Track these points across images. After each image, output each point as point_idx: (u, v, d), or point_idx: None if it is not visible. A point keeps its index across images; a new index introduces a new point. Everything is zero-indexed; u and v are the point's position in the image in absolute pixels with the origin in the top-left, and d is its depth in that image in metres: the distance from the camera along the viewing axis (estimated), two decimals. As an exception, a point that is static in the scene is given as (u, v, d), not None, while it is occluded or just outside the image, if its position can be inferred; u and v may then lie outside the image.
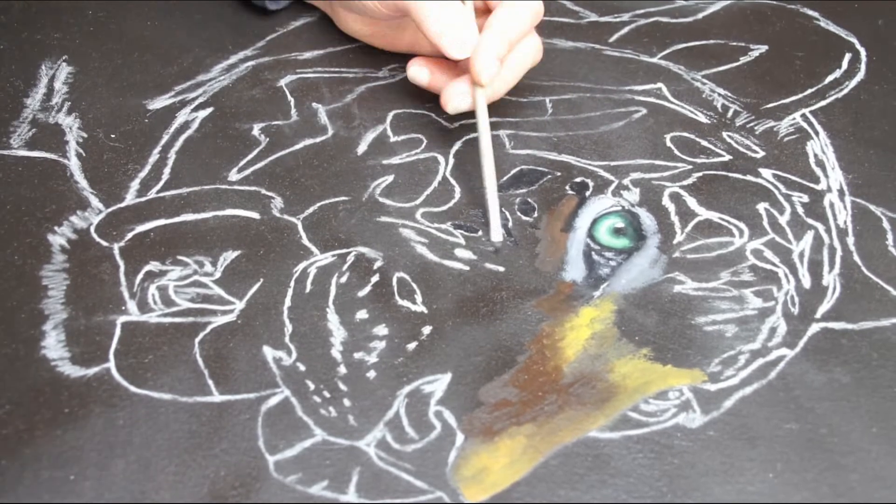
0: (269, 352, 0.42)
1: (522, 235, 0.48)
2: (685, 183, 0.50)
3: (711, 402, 0.41)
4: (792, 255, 0.47)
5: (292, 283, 0.45)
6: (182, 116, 0.54)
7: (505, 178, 0.50)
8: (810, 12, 0.63)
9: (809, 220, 0.49)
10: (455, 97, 0.50)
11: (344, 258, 0.46)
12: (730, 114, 0.55)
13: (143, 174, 0.50)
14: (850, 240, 0.48)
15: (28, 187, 0.49)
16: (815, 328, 0.44)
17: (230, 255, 0.46)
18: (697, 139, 0.53)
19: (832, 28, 0.62)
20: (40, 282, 0.44)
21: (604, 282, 0.46)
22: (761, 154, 0.53)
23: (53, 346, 0.42)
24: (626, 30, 0.62)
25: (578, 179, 0.50)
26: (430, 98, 0.55)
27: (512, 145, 0.52)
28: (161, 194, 0.49)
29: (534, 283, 0.45)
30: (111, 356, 0.42)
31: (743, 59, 0.59)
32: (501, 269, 0.46)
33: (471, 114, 0.51)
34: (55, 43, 0.58)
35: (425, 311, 0.44)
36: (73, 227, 0.47)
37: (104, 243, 0.46)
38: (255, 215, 0.48)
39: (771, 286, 0.45)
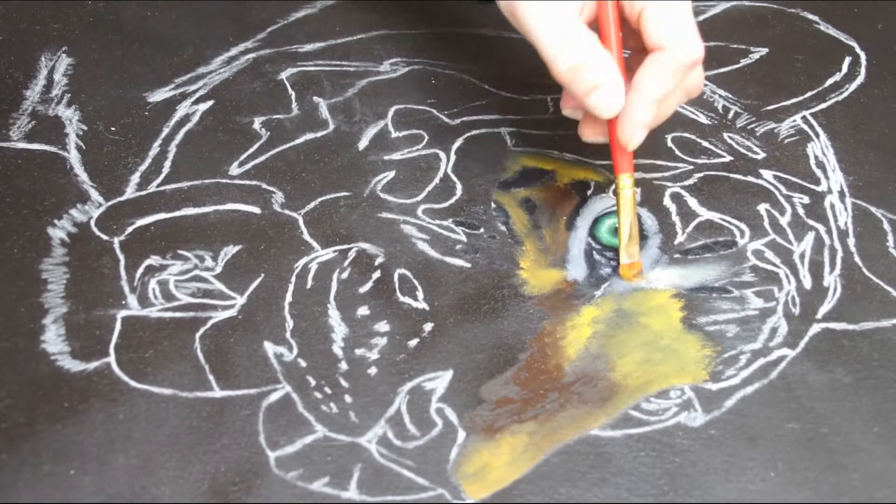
0: (270, 347, 0.42)
1: (524, 234, 0.48)
2: (686, 183, 0.51)
3: (713, 402, 0.41)
4: (793, 256, 0.47)
5: (293, 279, 0.45)
6: (182, 109, 0.53)
7: (507, 176, 0.50)
8: (810, 16, 0.64)
9: (810, 222, 0.49)
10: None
11: (345, 254, 0.46)
12: (730, 115, 0.55)
13: (143, 167, 0.50)
14: (851, 241, 0.48)
15: (28, 180, 0.49)
16: (816, 328, 0.44)
17: (231, 250, 0.46)
18: (698, 140, 0.53)
19: (832, 32, 0.62)
20: (40, 275, 0.44)
21: (605, 281, 0.46)
22: (762, 155, 0.53)
23: (53, 340, 0.41)
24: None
25: (580, 178, 0.50)
26: (431, 94, 0.55)
27: (513, 143, 0.52)
28: (161, 188, 0.49)
29: (535, 281, 0.45)
30: (111, 351, 0.41)
31: (743, 62, 0.60)
32: (503, 266, 0.46)
33: (472, 110, 0.51)
34: (55, 34, 0.58)
35: (427, 308, 0.44)
36: (73, 220, 0.47)
37: (104, 237, 0.46)
38: (256, 210, 0.48)
39: (772, 286, 0.45)
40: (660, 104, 0.41)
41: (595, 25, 0.42)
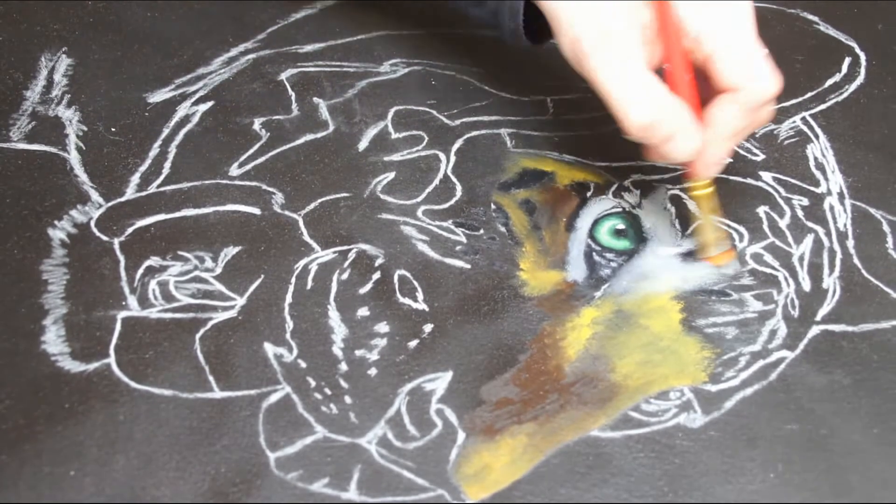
0: (270, 348, 0.42)
1: (524, 235, 0.48)
2: (686, 185, 0.50)
3: (712, 403, 0.41)
4: (792, 259, 0.47)
5: (293, 280, 0.45)
6: (182, 110, 0.54)
7: (507, 178, 0.50)
8: (810, 16, 0.64)
9: (809, 224, 0.49)
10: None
11: (345, 255, 0.46)
12: (730, 116, 0.55)
13: (143, 168, 0.50)
14: (850, 243, 0.48)
15: (28, 181, 0.49)
16: (815, 330, 0.44)
17: (231, 251, 0.46)
18: (698, 141, 0.53)
19: (832, 32, 0.62)
20: (40, 276, 0.44)
21: (605, 282, 0.46)
22: (761, 157, 0.53)
23: (53, 341, 0.42)
24: (627, 30, 0.61)
25: (579, 180, 0.51)
26: (431, 95, 0.55)
27: (513, 144, 0.52)
28: (161, 189, 0.49)
29: (534, 282, 0.45)
30: (111, 351, 0.41)
31: (743, 62, 0.59)
32: (502, 267, 0.46)
33: (472, 111, 0.51)
34: (55, 34, 0.58)
35: (426, 309, 0.44)
36: (73, 221, 0.47)
37: (104, 238, 0.46)
38: (256, 211, 0.48)
39: (771, 289, 0.45)
40: (734, 139, 0.42)
41: (661, 70, 0.42)
